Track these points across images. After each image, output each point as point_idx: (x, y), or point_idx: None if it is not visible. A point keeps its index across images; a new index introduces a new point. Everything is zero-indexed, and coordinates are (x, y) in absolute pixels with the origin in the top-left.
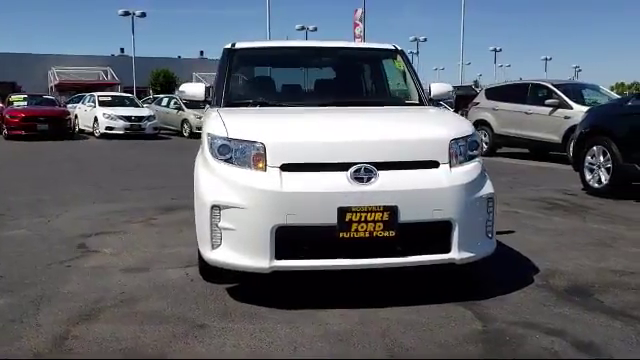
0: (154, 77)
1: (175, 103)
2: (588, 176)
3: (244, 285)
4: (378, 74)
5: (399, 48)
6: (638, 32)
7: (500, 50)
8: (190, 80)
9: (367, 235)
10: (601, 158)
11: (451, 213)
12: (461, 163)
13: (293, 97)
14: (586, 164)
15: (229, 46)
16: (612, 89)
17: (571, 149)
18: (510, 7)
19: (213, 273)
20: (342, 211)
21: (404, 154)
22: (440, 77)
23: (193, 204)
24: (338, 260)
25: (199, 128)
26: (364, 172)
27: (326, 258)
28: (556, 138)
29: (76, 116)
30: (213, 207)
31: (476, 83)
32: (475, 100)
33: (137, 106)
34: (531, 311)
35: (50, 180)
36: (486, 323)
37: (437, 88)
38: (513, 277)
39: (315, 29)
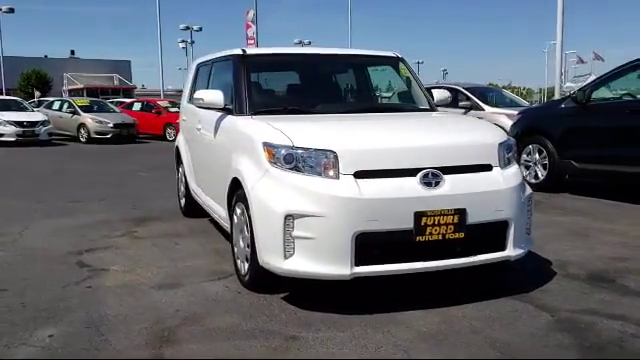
0: (24, 78)
1: (69, 106)
2: (525, 172)
3: (298, 294)
4: (387, 81)
5: (400, 56)
6: (493, 39)
7: None
8: (61, 81)
9: (440, 237)
10: (537, 155)
11: (508, 213)
12: (506, 165)
13: (323, 103)
14: (522, 161)
15: (239, 52)
16: None
17: None
18: (388, 12)
19: (264, 284)
20: (418, 215)
21: (464, 158)
22: None
23: (163, 215)
24: (414, 263)
25: (98, 133)
26: (432, 177)
27: (403, 262)
28: None
29: None
30: (287, 217)
31: None
32: None
33: (27, 110)
34: (578, 299)
35: None
36: (552, 313)
37: (439, 94)
38: (535, 269)
39: (200, 29)
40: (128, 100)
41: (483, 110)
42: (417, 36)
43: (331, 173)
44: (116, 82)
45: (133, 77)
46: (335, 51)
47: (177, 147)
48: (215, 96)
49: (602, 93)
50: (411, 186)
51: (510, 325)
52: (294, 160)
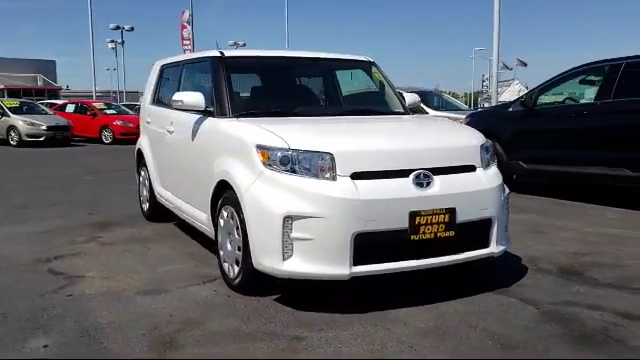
0: None
1: None
2: None
3: (291, 295)
4: (362, 84)
5: (372, 60)
6: (420, 43)
7: None
8: None
9: (432, 236)
10: None
11: (492, 211)
12: (488, 166)
13: (303, 106)
14: None
15: (218, 54)
16: None
17: None
18: (314, 14)
19: (257, 287)
20: (413, 215)
21: (451, 159)
22: None
23: (124, 220)
24: (408, 262)
25: (30, 136)
26: (423, 177)
27: (398, 261)
28: None
29: None
30: (286, 218)
31: None
32: None
33: None
34: (555, 292)
35: None
36: (537, 306)
37: (410, 98)
38: (509, 265)
39: (132, 29)
40: (60, 101)
41: (427, 113)
42: (347, 38)
43: (328, 175)
44: (40, 82)
45: (57, 78)
46: (311, 54)
47: (139, 150)
48: (196, 98)
49: (547, 98)
50: (405, 187)
51: (501, 318)
52: (290, 162)
